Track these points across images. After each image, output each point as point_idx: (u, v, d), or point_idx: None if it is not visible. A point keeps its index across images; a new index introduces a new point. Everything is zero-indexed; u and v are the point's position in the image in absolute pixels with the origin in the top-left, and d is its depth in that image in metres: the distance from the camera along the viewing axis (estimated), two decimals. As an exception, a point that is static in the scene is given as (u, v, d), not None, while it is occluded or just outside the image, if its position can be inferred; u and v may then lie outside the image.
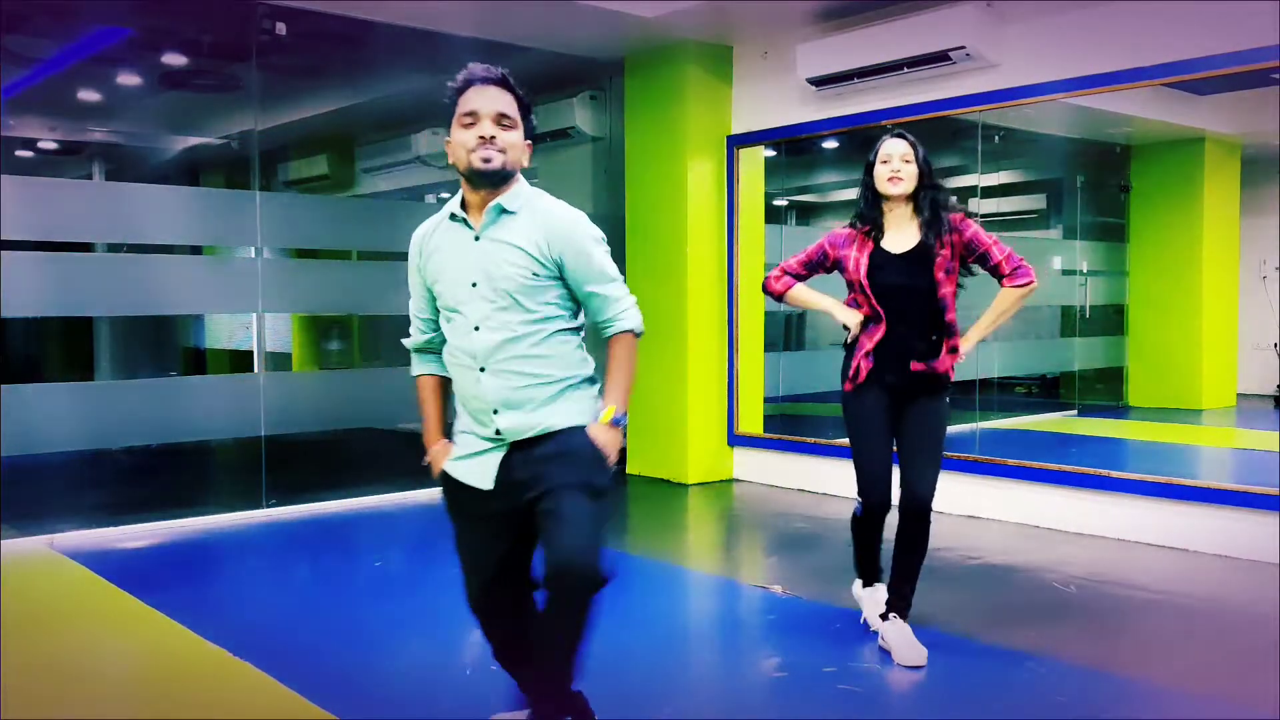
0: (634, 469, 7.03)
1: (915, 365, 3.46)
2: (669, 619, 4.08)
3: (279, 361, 9.19)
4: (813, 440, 6.46)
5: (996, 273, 3.52)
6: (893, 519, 3.56)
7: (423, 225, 2.51)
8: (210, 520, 5.70)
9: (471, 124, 2.32)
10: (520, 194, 2.39)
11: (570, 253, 2.37)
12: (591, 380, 2.47)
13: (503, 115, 2.33)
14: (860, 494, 3.57)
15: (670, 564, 4.86)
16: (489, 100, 2.32)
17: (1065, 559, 4.72)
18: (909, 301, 3.45)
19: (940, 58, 5.47)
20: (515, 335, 2.34)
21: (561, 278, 2.39)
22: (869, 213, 3.54)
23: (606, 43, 6.67)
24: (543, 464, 2.36)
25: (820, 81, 6.07)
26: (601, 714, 2.66)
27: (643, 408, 6.80)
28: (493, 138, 2.30)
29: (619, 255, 4.36)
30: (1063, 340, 8.96)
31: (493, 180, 2.34)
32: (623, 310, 2.44)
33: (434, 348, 2.55)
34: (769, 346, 7.05)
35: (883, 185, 3.47)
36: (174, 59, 6.77)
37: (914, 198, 3.50)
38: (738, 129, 6.76)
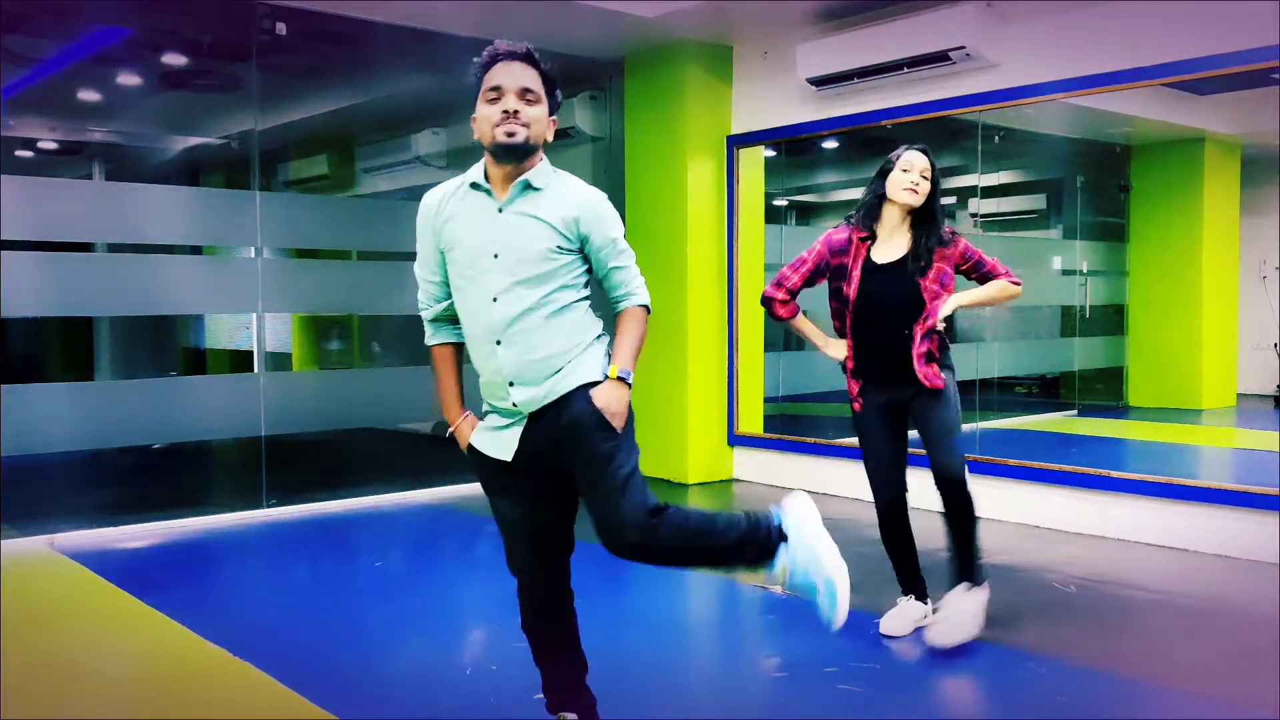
0: (634, 469, 7.02)
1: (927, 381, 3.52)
2: (669, 619, 4.08)
3: (279, 361, 9.19)
4: (813, 440, 6.46)
5: (991, 277, 3.64)
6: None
7: (435, 190, 2.52)
8: (210, 520, 5.70)
9: (496, 99, 2.34)
10: (545, 170, 2.42)
11: (597, 231, 2.41)
12: (596, 339, 2.47)
13: (527, 90, 2.35)
14: (872, 493, 3.66)
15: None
16: (513, 75, 2.34)
17: (1065, 559, 4.72)
18: (893, 312, 3.52)
19: (940, 58, 5.47)
20: (531, 307, 2.35)
21: (582, 253, 2.42)
22: (870, 217, 3.58)
23: (606, 43, 6.67)
24: (558, 434, 2.38)
25: (820, 81, 6.07)
26: (602, 714, 2.66)
27: (643, 408, 6.78)
28: (516, 112, 2.32)
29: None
30: (1063, 340, 8.95)
31: (516, 155, 2.36)
32: (638, 285, 2.49)
33: (450, 314, 2.54)
34: (769, 346, 7.05)
35: (897, 193, 3.52)
36: (174, 59, 6.77)
37: (916, 211, 3.56)
38: (738, 129, 6.76)
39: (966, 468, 3.59)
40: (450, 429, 2.53)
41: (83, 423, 5.46)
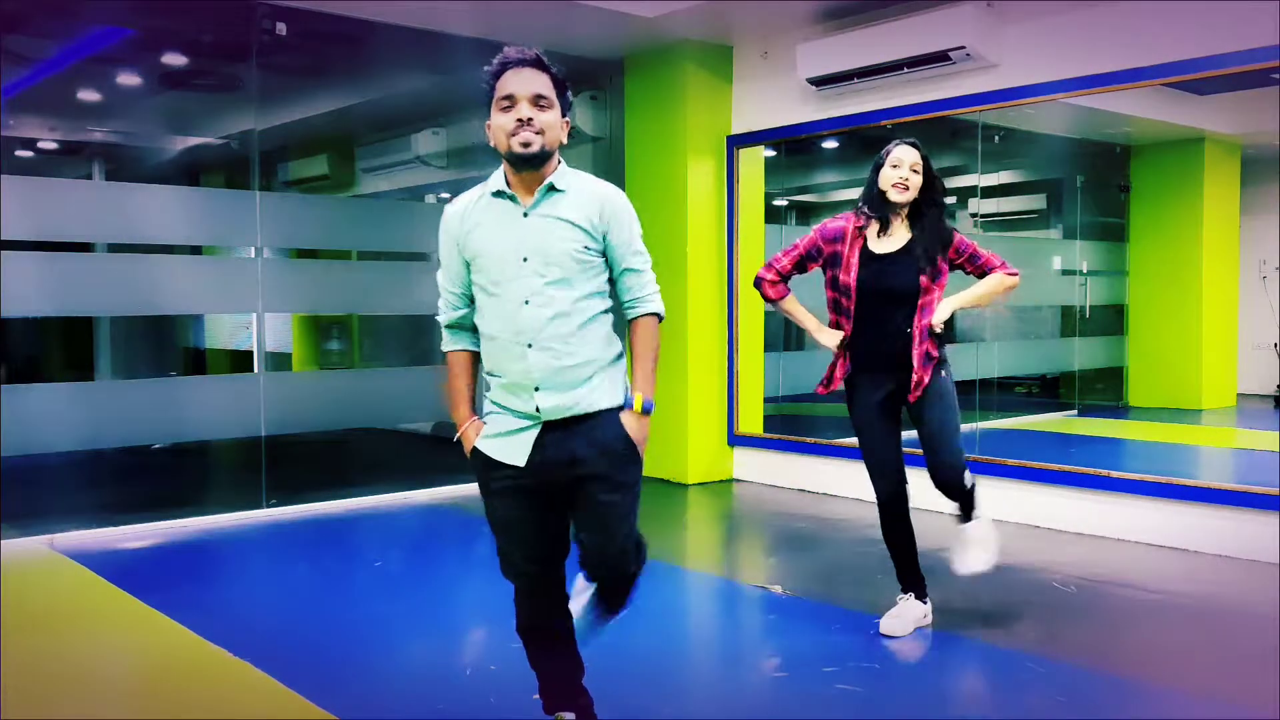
0: (634, 469, 7.03)
1: (912, 393, 3.53)
2: (669, 619, 4.07)
3: (279, 361, 9.19)
4: (813, 440, 6.46)
5: (985, 271, 3.63)
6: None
7: (457, 201, 2.54)
8: (210, 520, 5.70)
9: (509, 107, 2.36)
10: (565, 172, 2.46)
11: (616, 224, 2.44)
12: (618, 358, 2.50)
13: (539, 96, 2.37)
14: (873, 487, 3.64)
15: (670, 564, 4.86)
16: (525, 82, 2.36)
17: (1065, 559, 4.72)
18: (889, 303, 3.53)
19: (940, 58, 5.47)
20: (564, 312, 2.38)
21: (604, 254, 2.45)
22: (876, 209, 3.57)
23: (606, 43, 6.67)
24: (576, 448, 2.41)
25: (820, 81, 6.07)
26: (602, 714, 2.66)
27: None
28: (530, 119, 2.34)
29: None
30: (1063, 340, 8.95)
31: (534, 163, 2.38)
32: (651, 292, 2.51)
33: (466, 324, 2.55)
34: (769, 346, 7.05)
35: (888, 189, 3.52)
36: (174, 59, 6.76)
37: (911, 205, 3.56)
38: (738, 129, 6.76)
39: (967, 470, 3.59)
40: (458, 434, 2.54)
41: (83, 423, 5.46)
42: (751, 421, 6.83)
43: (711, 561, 5.24)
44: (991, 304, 3.75)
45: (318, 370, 9.55)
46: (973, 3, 5.36)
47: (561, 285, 2.37)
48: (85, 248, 6.41)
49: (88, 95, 7.25)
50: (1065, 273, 8.70)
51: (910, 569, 3.71)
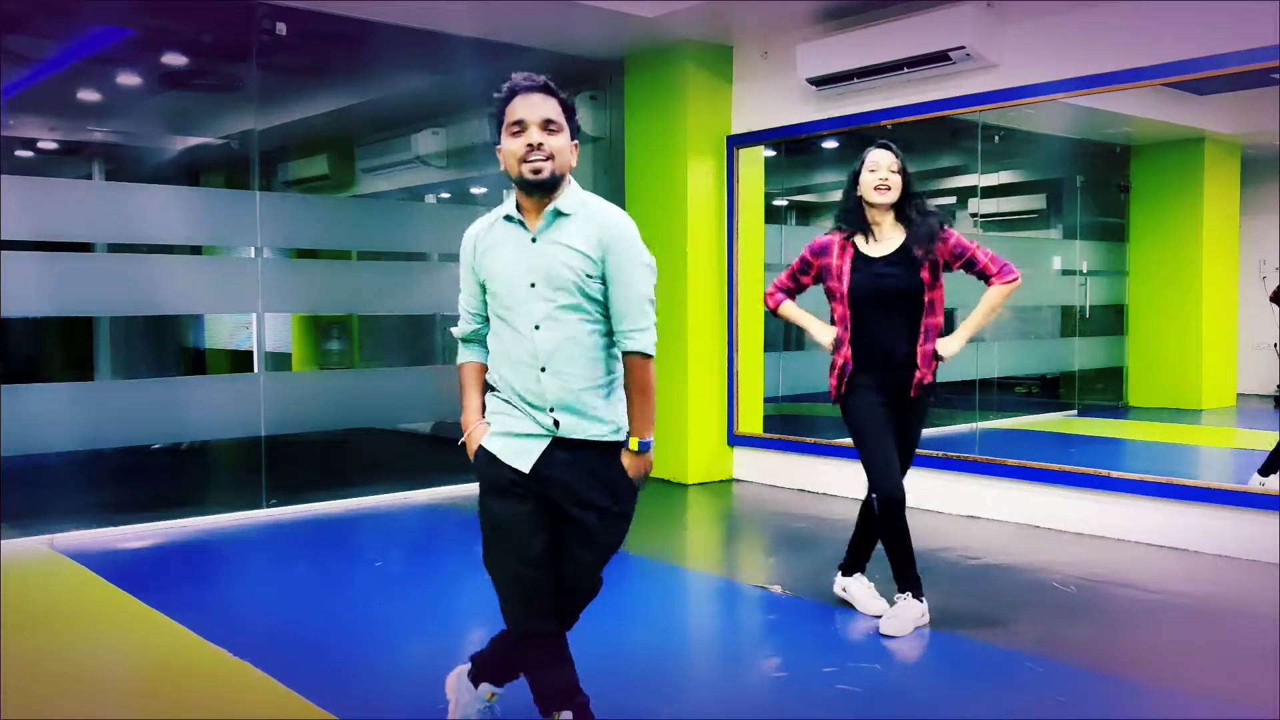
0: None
1: (913, 389, 3.62)
2: (669, 619, 4.08)
3: (279, 361, 9.20)
4: (813, 440, 6.46)
5: (984, 275, 3.68)
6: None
7: (475, 224, 2.60)
8: (210, 520, 5.70)
9: (519, 132, 2.41)
10: (573, 196, 2.48)
11: (614, 251, 2.43)
12: (618, 383, 2.54)
13: (549, 121, 2.42)
14: (875, 488, 3.67)
15: (670, 564, 4.86)
16: (533, 108, 2.41)
17: (1065, 559, 4.72)
18: (888, 304, 3.59)
19: (940, 58, 5.47)
20: (573, 336, 2.43)
21: (604, 281, 2.45)
22: (852, 218, 3.68)
23: (606, 43, 6.67)
24: (579, 473, 2.47)
25: (820, 81, 6.07)
26: (602, 714, 2.66)
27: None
28: (540, 145, 2.39)
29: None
30: (1063, 340, 8.96)
31: (544, 188, 2.43)
32: (642, 328, 2.47)
33: (479, 338, 2.64)
34: (769, 346, 7.05)
35: (869, 194, 3.64)
36: (174, 59, 6.77)
37: (896, 205, 3.64)
38: (738, 129, 6.76)
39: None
40: (463, 438, 2.58)
41: (83, 423, 5.46)
42: (751, 421, 6.83)
43: (711, 561, 5.24)
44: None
45: (318, 370, 9.55)
46: (973, 3, 5.36)
47: (569, 311, 2.43)
48: (85, 248, 6.41)
49: (88, 95, 7.25)
50: (1065, 273, 8.70)
51: (907, 568, 3.72)
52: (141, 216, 5.61)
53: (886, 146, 3.65)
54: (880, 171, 3.60)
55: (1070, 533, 5.22)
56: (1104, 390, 8.93)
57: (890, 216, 3.64)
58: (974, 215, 7.34)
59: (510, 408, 2.50)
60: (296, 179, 8.57)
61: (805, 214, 9.04)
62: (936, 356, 3.61)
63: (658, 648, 3.64)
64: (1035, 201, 8.97)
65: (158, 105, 7.43)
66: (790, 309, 3.86)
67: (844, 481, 6.08)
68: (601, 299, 2.46)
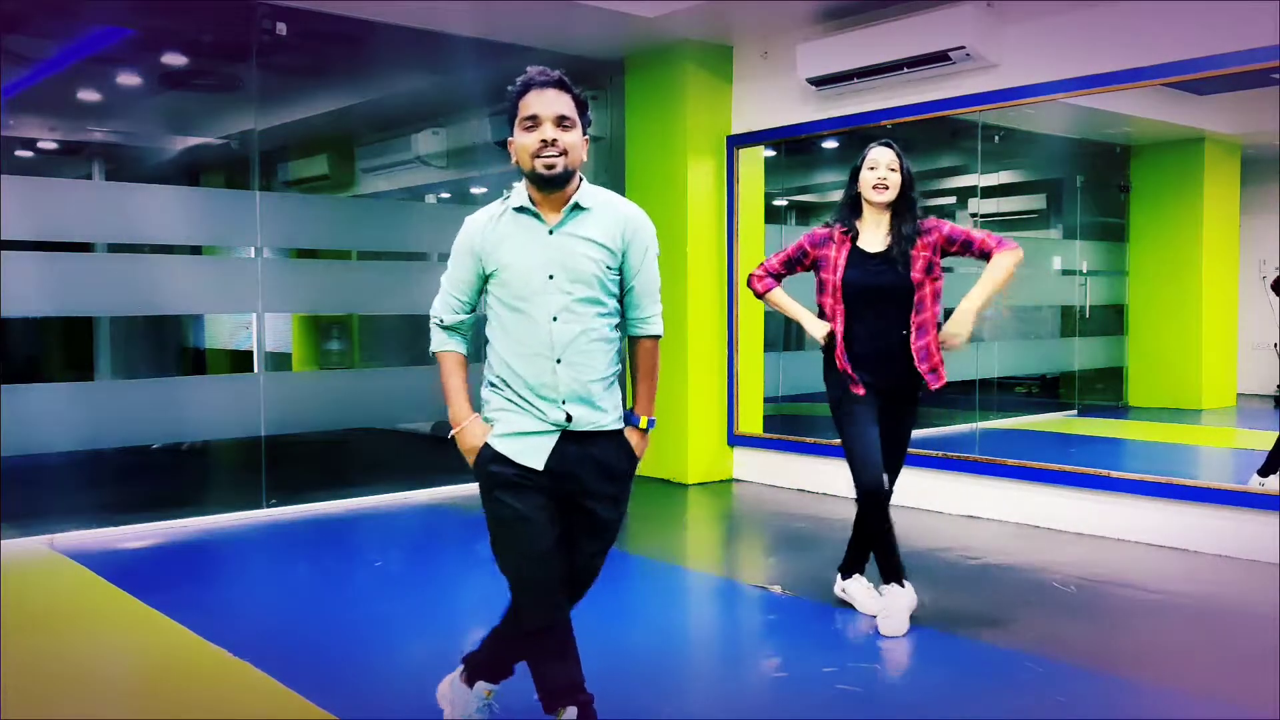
0: (634, 469, 7.03)
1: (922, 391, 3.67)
2: (669, 619, 4.08)
3: (279, 361, 9.19)
4: (813, 440, 6.46)
5: (983, 253, 3.64)
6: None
7: (479, 214, 2.58)
8: (210, 520, 5.70)
9: (532, 127, 2.42)
10: (589, 191, 2.52)
11: (635, 243, 2.52)
12: (619, 375, 2.59)
13: (562, 117, 2.43)
14: (855, 479, 3.69)
15: (670, 564, 4.86)
16: (548, 103, 2.42)
17: (1065, 559, 4.72)
18: (882, 300, 3.60)
19: (940, 58, 5.47)
20: (590, 328, 2.46)
21: (620, 271, 2.52)
22: (849, 216, 3.69)
23: (606, 43, 6.67)
24: (589, 466, 2.50)
25: (820, 81, 6.07)
26: (602, 714, 2.66)
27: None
28: (554, 140, 2.40)
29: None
30: (1063, 340, 8.96)
31: (557, 183, 2.44)
32: (656, 314, 2.60)
33: (463, 329, 2.63)
34: (769, 346, 7.05)
35: (868, 192, 3.64)
36: (174, 59, 6.76)
37: (893, 204, 3.64)
38: (738, 129, 6.76)
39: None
40: (452, 431, 2.56)
41: (83, 423, 5.46)
42: (751, 421, 6.83)
43: (711, 561, 5.24)
44: (1007, 286, 3.72)
45: (317, 370, 9.55)
46: (973, 3, 5.36)
47: (587, 303, 2.46)
48: (85, 248, 6.41)
49: (88, 95, 7.25)
50: (1065, 273, 8.71)
51: (890, 558, 3.76)
52: (141, 216, 5.61)
53: (888, 145, 3.65)
54: (879, 170, 3.61)
55: (1070, 533, 5.22)
56: (1104, 390, 8.93)
57: (886, 214, 3.65)
58: (974, 215, 7.34)
59: (514, 406, 2.49)
60: (296, 179, 8.56)
61: (805, 214, 9.04)
62: (943, 344, 3.59)
63: (658, 648, 3.64)
64: (1035, 201, 8.97)
65: (158, 105, 7.43)
66: (779, 296, 3.84)
67: (844, 482, 6.02)
68: (616, 290, 2.51)
